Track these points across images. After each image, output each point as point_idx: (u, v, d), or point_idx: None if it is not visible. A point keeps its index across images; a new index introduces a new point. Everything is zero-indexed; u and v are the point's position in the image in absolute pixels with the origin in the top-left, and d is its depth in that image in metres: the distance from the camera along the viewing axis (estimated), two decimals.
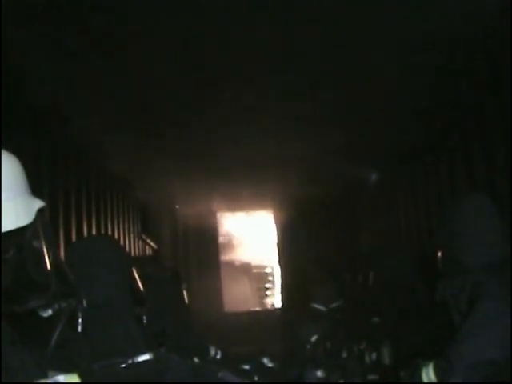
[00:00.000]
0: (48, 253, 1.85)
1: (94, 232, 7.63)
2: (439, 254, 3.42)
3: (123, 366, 1.66)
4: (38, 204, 1.86)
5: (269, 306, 14.83)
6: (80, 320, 2.02)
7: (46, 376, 1.70)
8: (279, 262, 14.01)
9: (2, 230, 1.71)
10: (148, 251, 11.14)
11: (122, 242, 9.02)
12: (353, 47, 5.58)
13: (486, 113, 6.27)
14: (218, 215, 14.36)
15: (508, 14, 4.67)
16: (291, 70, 6.06)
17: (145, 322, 3.09)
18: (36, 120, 5.89)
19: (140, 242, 10.69)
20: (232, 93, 6.53)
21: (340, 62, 5.91)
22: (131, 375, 1.65)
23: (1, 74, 4.58)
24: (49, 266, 1.85)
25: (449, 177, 7.35)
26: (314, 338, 6.57)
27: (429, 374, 3.03)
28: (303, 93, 6.61)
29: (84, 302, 2.02)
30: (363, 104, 6.97)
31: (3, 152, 1.84)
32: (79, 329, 2.00)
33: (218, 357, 5.12)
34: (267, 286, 15.05)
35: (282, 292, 13.43)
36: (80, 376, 1.66)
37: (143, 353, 1.69)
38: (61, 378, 1.64)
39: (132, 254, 9.61)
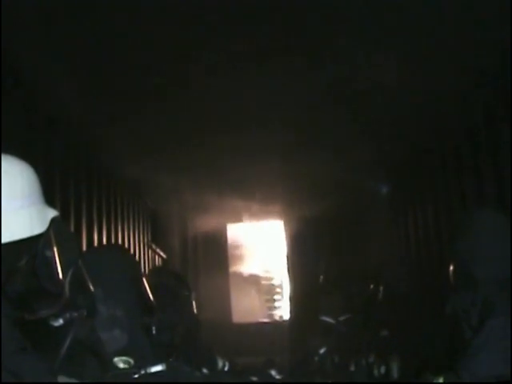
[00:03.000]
0: (61, 262, 1.86)
1: (104, 240, 7.65)
2: (451, 267, 3.42)
3: (136, 376, 1.66)
4: (52, 213, 1.87)
5: (277, 318, 14.78)
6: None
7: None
8: (288, 273, 13.97)
9: (16, 238, 1.72)
10: (158, 260, 11.14)
11: (131, 250, 9.02)
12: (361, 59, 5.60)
13: (497, 125, 6.25)
14: (228, 226, 14.34)
15: None
16: (300, 83, 6.08)
17: (154, 332, 3.08)
18: (49, 129, 5.92)
19: (149, 251, 10.70)
20: (243, 106, 6.56)
21: (351, 77, 5.92)
22: None
23: (1, 79, 4.60)
24: (61, 276, 1.85)
25: (459, 190, 7.32)
26: (322, 351, 6.55)
27: None
28: (314, 108, 6.63)
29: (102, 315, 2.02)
30: (374, 116, 6.97)
31: (18, 160, 1.85)
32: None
33: (226, 368, 5.11)
34: (276, 297, 15.00)
35: (290, 304, 13.38)
36: None
37: (155, 363, 1.69)
38: None
39: (141, 263, 9.62)
